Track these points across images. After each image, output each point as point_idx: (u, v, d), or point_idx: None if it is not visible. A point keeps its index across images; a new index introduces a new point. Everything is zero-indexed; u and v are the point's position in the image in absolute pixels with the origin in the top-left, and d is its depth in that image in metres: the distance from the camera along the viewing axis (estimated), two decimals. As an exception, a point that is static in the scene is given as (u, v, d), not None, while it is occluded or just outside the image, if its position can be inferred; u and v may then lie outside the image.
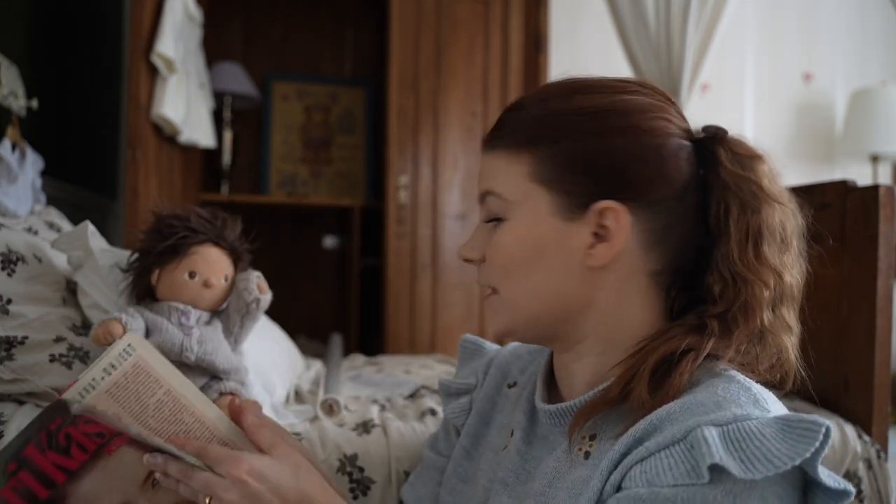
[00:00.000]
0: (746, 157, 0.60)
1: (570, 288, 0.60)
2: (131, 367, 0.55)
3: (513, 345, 0.81)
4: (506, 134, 0.62)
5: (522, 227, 0.61)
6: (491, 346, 0.85)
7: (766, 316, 0.57)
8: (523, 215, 0.60)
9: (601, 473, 0.53)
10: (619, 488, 0.52)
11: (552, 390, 0.68)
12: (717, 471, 0.47)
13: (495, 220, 0.63)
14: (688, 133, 0.62)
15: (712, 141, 0.62)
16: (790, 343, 0.59)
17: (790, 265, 0.59)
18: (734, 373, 0.56)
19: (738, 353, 0.57)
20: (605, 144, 0.58)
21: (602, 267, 0.59)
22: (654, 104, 0.61)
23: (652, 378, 0.55)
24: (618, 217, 0.58)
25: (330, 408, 1.08)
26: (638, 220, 0.58)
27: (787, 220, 0.60)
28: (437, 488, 0.79)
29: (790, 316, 0.59)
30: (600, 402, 0.57)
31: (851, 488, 0.48)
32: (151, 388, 0.57)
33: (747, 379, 0.55)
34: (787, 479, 0.48)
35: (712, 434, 0.48)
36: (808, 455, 0.46)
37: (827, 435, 0.46)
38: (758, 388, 0.54)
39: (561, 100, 0.61)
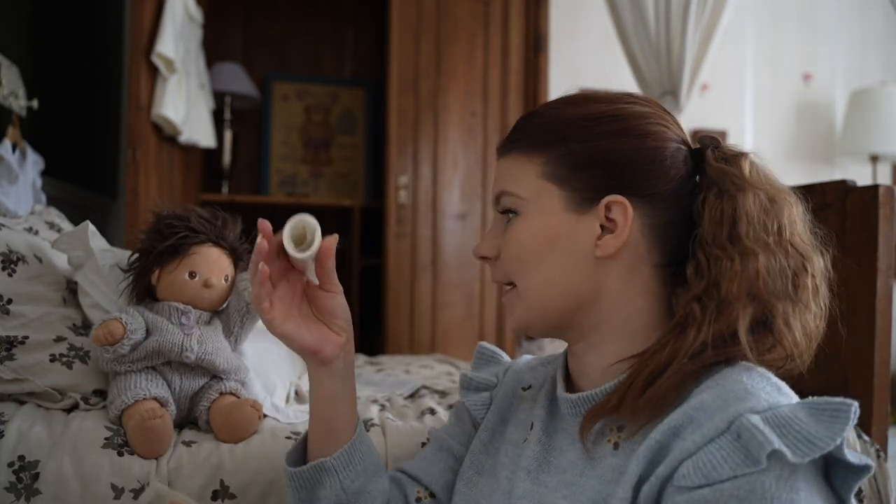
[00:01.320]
0: (731, 154, 0.65)
1: (579, 277, 0.64)
2: None
3: (527, 357, 0.85)
4: (520, 138, 0.68)
5: (536, 221, 0.65)
6: (506, 357, 0.90)
7: (735, 290, 0.59)
8: (536, 210, 0.65)
9: (638, 459, 0.55)
10: (666, 481, 0.53)
11: (569, 382, 0.71)
12: (770, 457, 0.48)
13: (509, 214, 0.67)
14: (684, 142, 0.67)
15: (704, 147, 0.67)
16: (788, 327, 0.61)
17: (772, 246, 0.60)
18: (750, 364, 0.58)
19: (728, 334, 0.59)
20: (611, 145, 0.64)
21: (609, 257, 0.63)
22: (654, 113, 0.67)
23: (644, 390, 0.58)
24: (624, 210, 0.62)
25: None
26: (640, 214, 0.63)
27: (773, 206, 0.62)
28: (446, 472, 0.78)
29: (780, 296, 0.60)
30: (602, 408, 0.61)
31: (871, 462, 0.50)
32: None
33: (763, 369, 0.58)
34: (817, 461, 0.51)
35: (758, 421, 0.50)
36: (845, 434, 0.48)
37: (856, 413, 0.49)
38: (774, 377, 0.57)
39: (570, 107, 0.67)
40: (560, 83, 2.81)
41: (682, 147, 0.66)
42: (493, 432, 0.77)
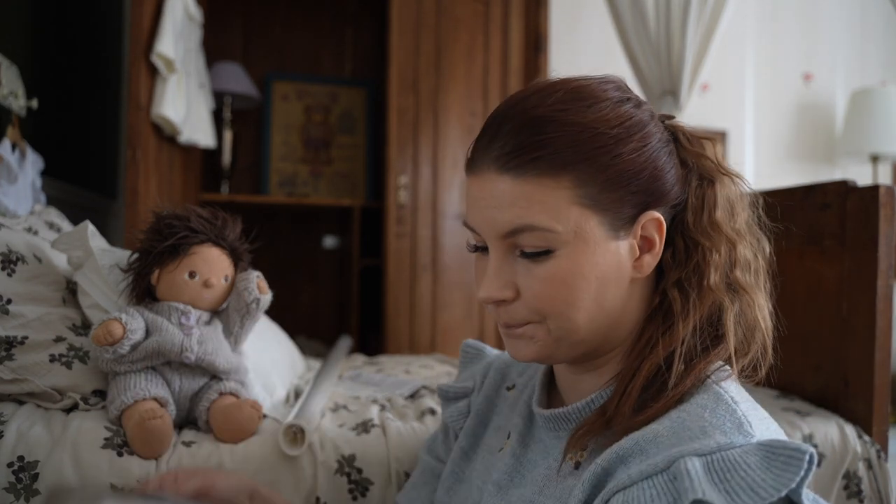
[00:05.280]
0: (698, 138, 0.64)
1: (617, 303, 0.59)
2: None
3: None
4: (539, 156, 0.55)
5: (581, 256, 0.56)
6: (491, 351, 0.86)
7: (717, 279, 0.58)
8: (578, 243, 0.56)
9: (583, 485, 0.52)
10: None
11: (551, 394, 0.69)
12: None
13: (535, 255, 0.57)
14: (658, 120, 0.64)
15: (670, 127, 0.64)
16: (759, 315, 0.60)
17: (743, 234, 0.61)
18: (722, 388, 0.55)
19: (707, 324, 0.58)
20: (639, 159, 0.57)
21: (643, 276, 0.60)
22: (636, 101, 0.61)
23: (641, 397, 0.55)
24: (658, 225, 0.59)
25: (294, 436, 0.94)
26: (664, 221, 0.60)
27: (736, 193, 0.63)
28: (432, 494, 0.79)
29: (752, 286, 0.61)
30: (597, 423, 0.57)
31: None
32: None
33: (733, 397, 0.54)
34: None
35: (696, 466, 0.47)
36: (793, 485, 0.45)
37: (811, 462, 0.45)
38: (744, 409, 0.53)
39: (583, 109, 0.57)
40: (560, 83, 2.80)
41: (666, 131, 0.62)
42: (474, 437, 0.75)
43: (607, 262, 0.57)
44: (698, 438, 0.49)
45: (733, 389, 0.56)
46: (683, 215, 0.61)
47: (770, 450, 0.47)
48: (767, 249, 0.64)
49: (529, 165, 0.55)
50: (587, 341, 0.60)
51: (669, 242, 0.60)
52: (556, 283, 0.57)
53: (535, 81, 0.61)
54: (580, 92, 0.58)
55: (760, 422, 0.53)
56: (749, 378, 0.60)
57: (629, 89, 0.62)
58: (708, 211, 0.60)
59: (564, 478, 0.58)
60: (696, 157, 0.62)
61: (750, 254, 0.61)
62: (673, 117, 0.66)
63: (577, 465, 0.57)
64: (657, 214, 0.58)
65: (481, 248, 0.61)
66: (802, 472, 0.45)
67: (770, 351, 0.60)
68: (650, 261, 0.59)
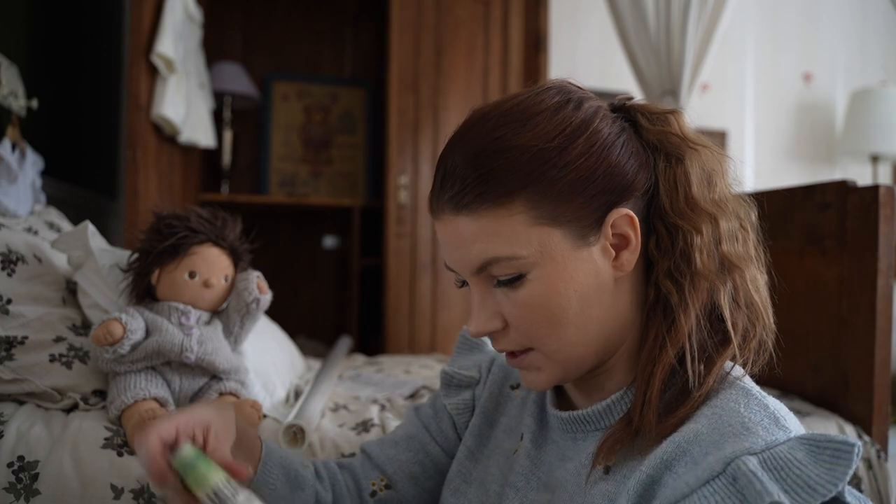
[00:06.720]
0: (660, 114, 0.62)
1: (607, 308, 0.59)
2: None
3: None
4: (485, 190, 0.56)
5: (550, 275, 0.56)
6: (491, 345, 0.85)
7: (706, 260, 0.56)
8: (545, 263, 0.56)
9: (629, 493, 0.52)
10: None
11: (560, 393, 0.68)
12: None
13: (509, 282, 0.58)
14: (609, 109, 0.62)
15: (628, 110, 0.63)
16: (752, 288, 0.58)
17: (724, 204, 0.59)
18: (747, 383, 0.55)
19: (704, 313, 0.57)
20: (590, 161, 0.56)
21: (626, 273, 0.59)
22: (586, 100, 0.60)
23: (662, 399, 0.55)
24: (629, 221, 0.57)
25: (294, 436, 0.94)
26: (636, 212, 0.58)
27: (711, 162, 0.60)
28: (413, 466, 0.76)
29: (742, 257, 0.58)
30: (625, 434, 0.56)
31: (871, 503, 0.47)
32: None
33: (760, 391, 0.54)
34: None
35: (756, 466, 0.46)
36: (847, 479, 0.45)
37: (859, 455, 0.46)
38: (772, 403, 0.53)
39: (522, 131, 0.56)
40: (560, 83, 2.81)
41: (619, 120, 0.60)
42: (480, 437, 0.73)
43: (583, 272, 0.57)
44: (742, 435, 0.49)
45: (754, 385, 0.55)
46: (659, 200, 0.59)
47: (814, 444, 0.47)
48: (753, 215, 0.61)
49: (478, 201, 0.56)
50: (590, 354, 0.60)
51: (652, 230, 0.59)
52: (536, 305, 0.57)
53: (475, 109, 0.61)
54: (512, 113, 0.58)
55: (787, 413, 0.53)
56: (759, 356, 0.59)
57: (573, 88, 0.61)
58: (683, 190, 0.58)
59: (595, 483, 0.56)
60: (661, 136, 0.60)
61: (735, 223, 0.59)
62: (631, 98, 0.64)
63: (608, 470, 0.56)
64: (625, 210, 0.57)
65: (467, 284, 0.63)
66: (853, 466, 0.45)
67: (770, 321, 0.59)
68: (629, 257, 0.58)
